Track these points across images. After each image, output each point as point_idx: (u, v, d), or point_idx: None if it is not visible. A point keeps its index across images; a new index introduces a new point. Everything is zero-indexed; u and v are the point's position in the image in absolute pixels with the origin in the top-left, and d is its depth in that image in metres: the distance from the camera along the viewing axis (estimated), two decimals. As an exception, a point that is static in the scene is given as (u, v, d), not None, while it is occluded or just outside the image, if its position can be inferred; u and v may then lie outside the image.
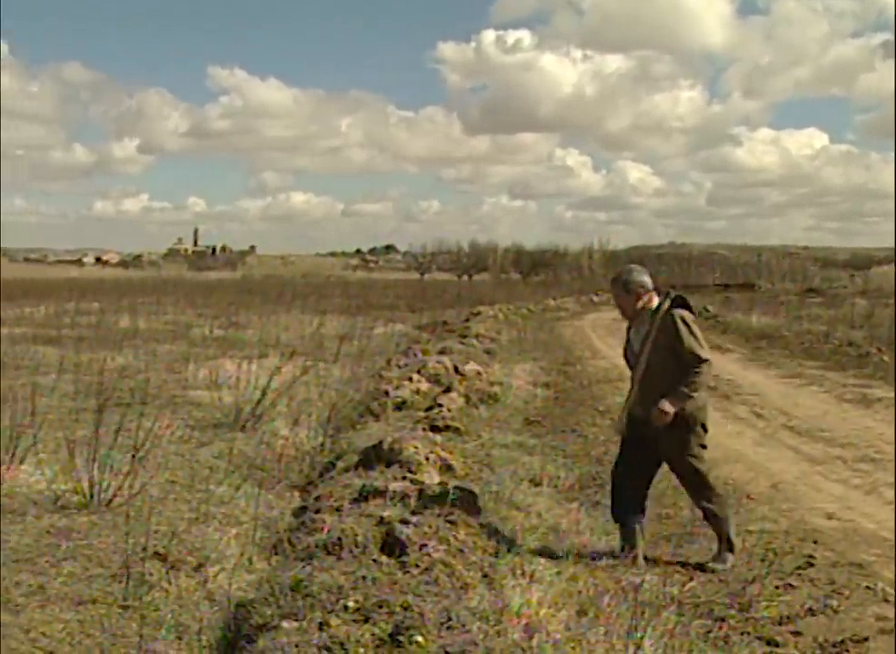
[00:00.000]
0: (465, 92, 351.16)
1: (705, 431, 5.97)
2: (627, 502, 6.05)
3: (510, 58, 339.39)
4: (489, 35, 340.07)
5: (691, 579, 5.73)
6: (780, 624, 5.05)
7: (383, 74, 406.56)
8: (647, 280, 5.80)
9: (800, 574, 5.90)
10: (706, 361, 5.68)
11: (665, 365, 5.67)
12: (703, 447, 5.96)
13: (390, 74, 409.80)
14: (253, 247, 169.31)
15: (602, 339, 25.32)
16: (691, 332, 5.65)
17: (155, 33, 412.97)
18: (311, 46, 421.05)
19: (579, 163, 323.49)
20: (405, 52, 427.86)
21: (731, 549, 5.98)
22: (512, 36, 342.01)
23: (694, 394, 5.69)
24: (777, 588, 5.62)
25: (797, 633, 4.95)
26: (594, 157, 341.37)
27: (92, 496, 6.78)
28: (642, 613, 4.47)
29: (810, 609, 5.26)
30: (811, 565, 6.06)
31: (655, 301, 5.81)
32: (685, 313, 5.72)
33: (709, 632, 4.79)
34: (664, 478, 8.38)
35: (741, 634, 4.87)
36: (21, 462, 7.39)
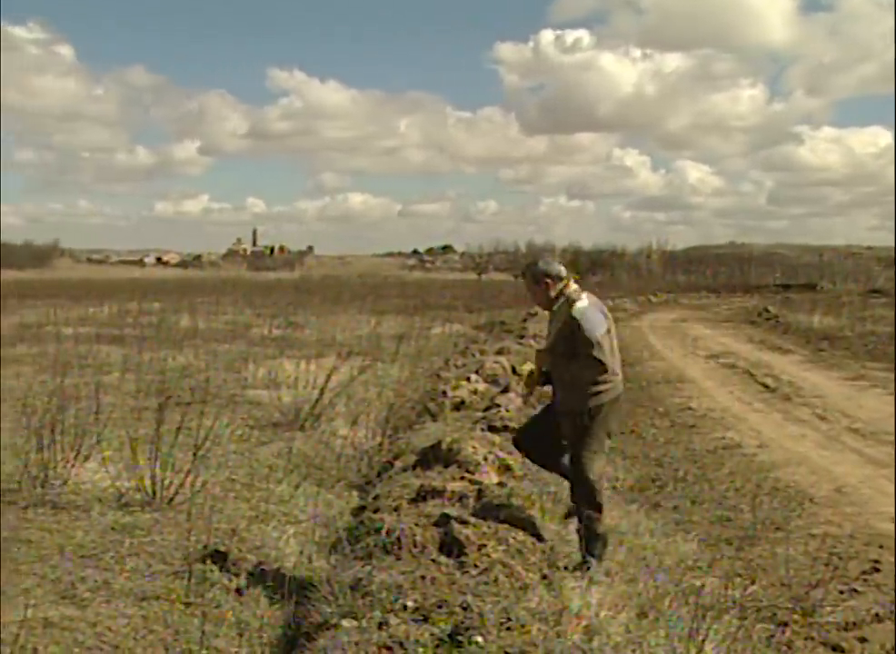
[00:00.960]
0: (523, 92, 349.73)
1: (608, 435, 5.77)
2: (534, 440, 5.97)
3: (568, 58, 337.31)
4: (547, 35, 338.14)
5: (753, 582, 5.64)
6: (845, 630, 4.97)
7: (441, 75, 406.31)
8: (556, 269, 5.60)
9: (865, 579, 5.80)
10: (600, 361, 5.42)
11: (566, 353, 5.52)
12: (597, 451, 5.64)
13: (448, 75, 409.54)
14: (310, 247, 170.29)
15: (661, 340, 25.10)
16: (592, 332, 5.44)
17: (216, 36, 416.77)
18: (369, 48, 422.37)
19: (637, 162, 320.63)
20: (463, 52, 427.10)
21: (592, 554, 5.58)
22: (570, 36, 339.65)
23: (592, 390, 5.46)
24: (842, 593, 5.53)
25: (863, 639, 4.86)
26: (653, 157, 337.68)
27: (154, 493, 6.87)
28: (703, 616, 4.41)
29: (876, 615, 5.17)
30: (878, 570, 5.95)
31: (570, 289, 5.63)
32: (593, 309, 5.54)
33: (772, 637, 4.72)
34: (724, 480, 8.33)
35: (805, 639, 4.80)
36: (86, 460, 7.49)
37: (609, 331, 5.55)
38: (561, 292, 5.56)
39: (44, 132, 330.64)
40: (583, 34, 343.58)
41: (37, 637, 4.46)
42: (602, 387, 5.47)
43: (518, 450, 6.19)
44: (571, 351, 5.47)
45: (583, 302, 5.49)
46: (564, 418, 5.62)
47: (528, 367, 5.91)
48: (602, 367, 5.41)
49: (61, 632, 4.58)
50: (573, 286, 5.60)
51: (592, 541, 5.53)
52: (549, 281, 5.54)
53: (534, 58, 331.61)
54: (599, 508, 5.60)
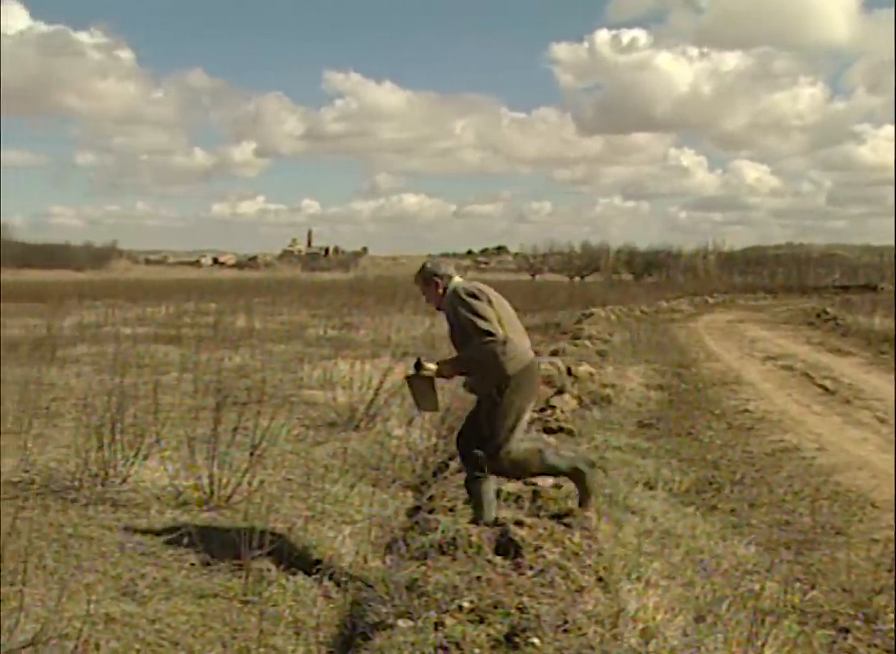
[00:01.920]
0: (579, 92, 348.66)
1: (509, 429, 5.53)
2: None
3: (624, 58, 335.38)
4: (603, 35, 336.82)
5: (814, 587, 5.57)
6: (908, 637, 4.88)
7: (496, 76, 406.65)
8: (444, 268, 5.72)
9: (929, 585, 5.69)
10: (485, 332, 5.34)
11: (465, 342, 5.50)
12: (513, 428, 5.53)
13: (503, 76, 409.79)
14: (365, 248, 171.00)
15: (717, 341, 24.87)
16: (469, 307, 5.42)
17: (273, 38, 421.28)
18: (425, 49, 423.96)
19: (694, 162, 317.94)
20: (518, 53, 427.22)
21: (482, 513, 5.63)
22: (626, 35, 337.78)
23: (495, 364, 5.39)
24: (905, 599, 5.43)
25: (926, 647, 4.77)
26: (710, 157, 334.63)
27: (212, 492, 6.94)
28: (762, 621, 4.37)
29: (941, 623, 5.07)
30: (942, 576, 5.83)
31: (453, 282, 5.69)
32: (464, 287, 5.54)
33: (833, 643, 4.66)
34: (782, 484, 8.23)
35: (868, 646, 4.72)
36: (145, 459, 7.59)
37: (492, 303, 5.50)
38: (445, 289, 5.68)
39: (105, 135, 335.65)
40: (640, 34, 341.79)
41: (99, 632, 4.53)
42: (504, 358, 5.40)
43: (464, 460, 5.87)
44: (465, 334, 5.48)
45: (460, 283, 5.62)
46: (479, 404, 5.62)
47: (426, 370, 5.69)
48: (492, 337, 5.34)
49: (122, 628, 4.65)
50: (456, 279, 5.71)
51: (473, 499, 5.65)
52: (437, 279, 5.68)
53: (590, 58, 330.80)
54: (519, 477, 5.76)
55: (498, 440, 5.52)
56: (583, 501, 5.85)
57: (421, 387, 5.80)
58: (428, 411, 6.10)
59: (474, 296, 5.46)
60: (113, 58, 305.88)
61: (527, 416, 5.67)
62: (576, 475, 5.80)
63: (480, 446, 5.57)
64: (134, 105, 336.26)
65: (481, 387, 5.61)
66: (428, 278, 5.72)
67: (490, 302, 5.49)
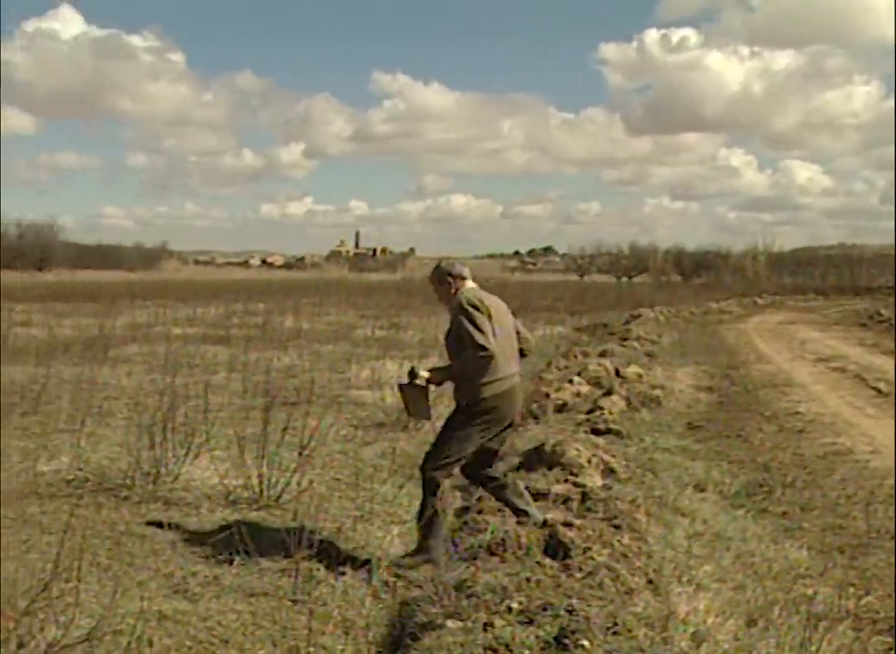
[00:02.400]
0: (627, 92, 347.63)
1: (483, 437, 5.52)
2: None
3: (674, 57, 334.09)
4: (652, 34, 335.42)
5: (868, 592, 5.48)
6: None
7: (544, 77, 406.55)
8: (458, 269, 5.73)
9: None
10: (479, 346, 5.32)
11: (457, 350, 5.51)
12: (458, 452, 5.50)
13: (551, 76, 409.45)
14: (412, 249, 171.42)
15: (768, 343, 24.62)
16: (465, 313, 5.41)
17: (322, 40, 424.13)
18: (473, 50, 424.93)
19: (744, 162, 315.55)
20: (567, 53, 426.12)
21: (424, 551, 5.52)
22: (676, 35, 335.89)
23: (477, 382, 5.41)
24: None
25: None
26: (760, 156, 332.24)
27: (261, 492, 6.99)
28: (816, 626, 4.31)
29: None
30: None
31: (465, 286, 5.69)
32: (468, 298, 5.50)
33: (889, 650, 4.58)
34: (835, 487, 8.12)
35: (925, 653, 4.64)
36: (195, 458, 7.66)
37: (492, 318, 5.48)
38: (457, 290, 5.67)
39: (156, 137, 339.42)
40: (690, 33, 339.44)
41: (152, 629, 4.58)
42: (486, 379, 5.42)
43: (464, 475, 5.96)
44: (460, 342, 5.47)
45: (468, 291, 5.59)
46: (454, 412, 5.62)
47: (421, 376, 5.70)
48: (486, 351, 5.32)
49: (174, 625, 4.70)
50: (470, 284, 5.72)
51: (425, 528, 5.52)
52: (451, 280, 5.70)
53: (639, 58, 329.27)
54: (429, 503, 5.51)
55: (440, 454, 5.52)
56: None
57: (413, 395, 5.79)
58: (419, 420, 6.05)
59: (476, 307, 5.45)
60: (164, 61, 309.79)
61: (479, 441, 5.55)
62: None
63: (429, 451, 5.62)
64: (185, 107, 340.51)
65: (457, 394, 5.62)
66: (442, 277, 5.75)
67: (490, 316, 5.47)
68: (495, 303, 5.67)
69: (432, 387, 5.81)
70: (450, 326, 5.62)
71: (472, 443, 5.52)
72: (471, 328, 5.37)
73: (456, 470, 5.71)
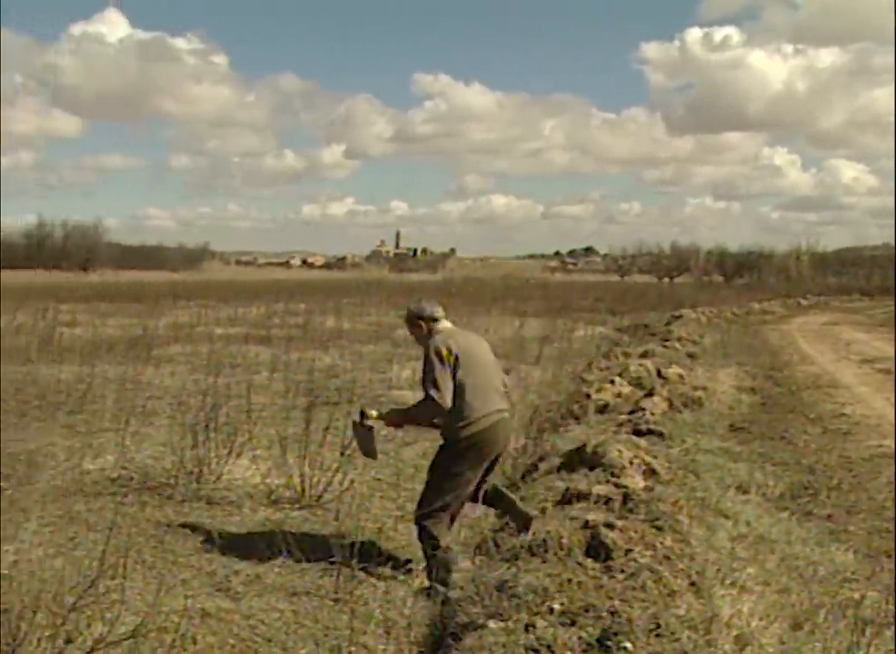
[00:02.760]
0: (669, 92, 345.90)
1: (473, 473, 5.49)
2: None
3: (716, 56, 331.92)
4: (694, 33, 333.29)
5: (915, 596, 5.41)
6: None
7: (585, 77, 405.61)
8: (428, 310, 5.76)
9: None
10: (429, 396, 5.38)
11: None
12: (445, 494, 5.46)
13: (593, 76, 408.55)
14: (453, 249, 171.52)
15: (812, 344, 24.36)
16: (427, 362, 5.47)
17: (364, 41, 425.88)
18: (514, 50, 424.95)
19: (787, 161, 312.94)
20: (608, 53, 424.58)
21: (437, 579, 5.38)
22: (719, 33, 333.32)
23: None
24: None
25: None
26: (804, 155, 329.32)
27: (303, 491, 7.03)
28: (863, 631, 4.26)
29: None
30: None
31: (438, 327, 5.71)
32: (436, 345, 5.49)
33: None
34: (881, 490, 8.02)
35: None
36: (238, 457, 7.72)
37: (459, 363, 5.46)
38: (430, 331, 5.69)
39: (199, 138, 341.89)
40: (732, 32, 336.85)
41: (196, 626, 4.62)
42: (463, 422, 5.42)
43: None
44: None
45: (438, 336, 5.58)
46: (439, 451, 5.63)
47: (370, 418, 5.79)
48: (432, 403, 5.36)
49: (217, 623, 4.74)
50: (443, 324, 5.72)
51: (431, 564, 5.43)
52: (421, 322, 5.72)
53: (681, 57, 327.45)
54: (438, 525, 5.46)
55: (430, 496, 5.49)
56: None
57: (361, 434, 5.82)
58: (368, 458, 6.07)
59: (439, 356, 5.44)
60: (208, 63, 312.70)
61: (467, 478, 5.49)
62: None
63: (420, 498, 5.59)
64: (228, 109, 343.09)
65: (441, 430, 5.60)
66: (413, 320, 5.79)
67: (457, 361, 5.45)
68: (470, 343, 5.68)
69: (383, 430, 5.90)
70: (423, 363, 5.64)
71: (460, 485, 5.47)
72: (427, 376, 5.43)
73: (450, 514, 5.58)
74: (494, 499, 5.84)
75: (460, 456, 5.46)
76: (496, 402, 5.62)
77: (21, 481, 7.47)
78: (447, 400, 5.37)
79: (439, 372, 5.41)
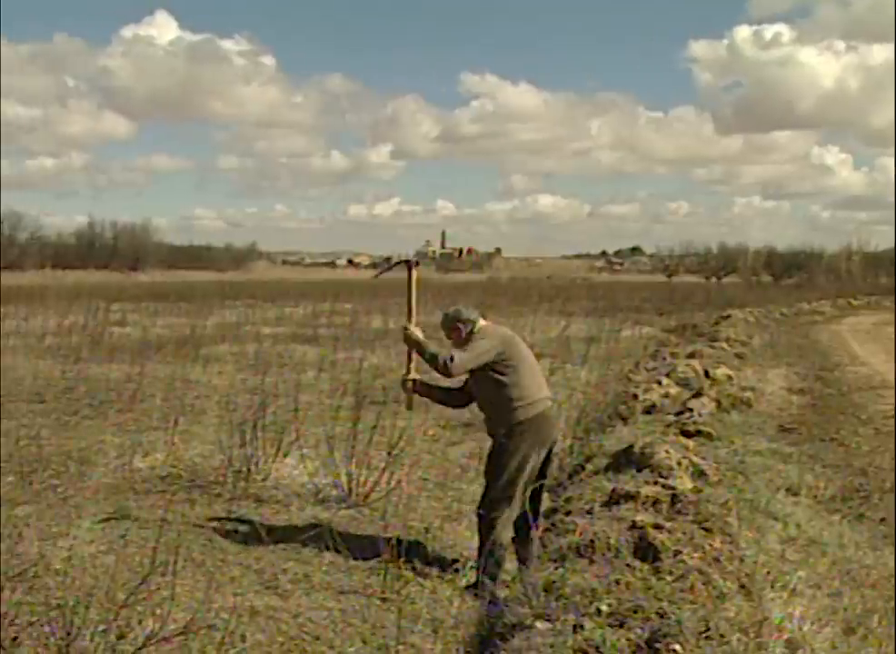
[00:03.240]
0: (718, 90, 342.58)
1: (513, 473, 5.43)
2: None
3: (766, 54, 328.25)
4: (743, 31, 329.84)
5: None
6: None
7: (633, 75, 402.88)
8: (466, 314, 5.82)
9: None
10: (452, 356, 5.47)
11: (477, 383, 5.67)
12: (508, 485, 5.42)
13: (640, 75, 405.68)
14: (498, 249, 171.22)
15: (863, 344, 24.03)
16: (470, 342, 5.62)
17: (411, 42, 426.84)
18: (562, 50, 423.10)
19: (838, 160, 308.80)
20: (656, 52, 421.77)
21: (488, 575, 5.29)
22: (769, 31, 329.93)
23: (505, 409, 5.50)
24: None
25: None
26: (855, 154, 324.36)
27: (350, 491, 7.05)
28: (917, 636, 4.20)
29: None
30: None
31: (477, 326, 5.76)
32: (482, 340, 5.59)
33: None
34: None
35: None
36: (285, 456, 7.76)
37: (515, 353, 5.58)
38: (471, 332, 5.72)
39: (247, 139, 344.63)
40: (783, 29, 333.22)
41: (244, 624, 4.65)
42: (518, 403, 5.46)
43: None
44: (479, 380, 5.60)
45: (480, 335, 5.66)
46: (490, 449, 5.63)
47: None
48: (448, 365, 5.44)
49: (266, 620, 4.76)
50: (481, 323, 5.78)
51: (485, 563, 5.34)
52: (461, 325, 5.76)
53: (730, 55, 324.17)
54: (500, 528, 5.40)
55: (498, 488, 5.43)
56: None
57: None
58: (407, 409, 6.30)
59: (483, 349, 5.53)
60: (256, 64, 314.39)
61: (531, 464, 5.48)
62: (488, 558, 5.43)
63: (483, 494, 5.56)
64: (275, 110, 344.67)
65: (491, 428, 5.63)
66: (452, 324, 5.84)
67: (501, 355, 5.53)
68: (514, 336, 5.76)
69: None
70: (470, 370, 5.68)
71: (520, 475, 5.43)
72: (464, 347, 5.57)
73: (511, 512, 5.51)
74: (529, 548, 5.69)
75: (516, 445, 5.44)
76: (544, 391, 5.68)
77: (73, 479, 7.57)
78: (456, 371, 5.47)
79: (474, 353, 5.50)
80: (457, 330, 5.80)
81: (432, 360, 5.56)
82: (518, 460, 5.43)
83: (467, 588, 5.42)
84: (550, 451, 5.64)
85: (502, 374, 5.50)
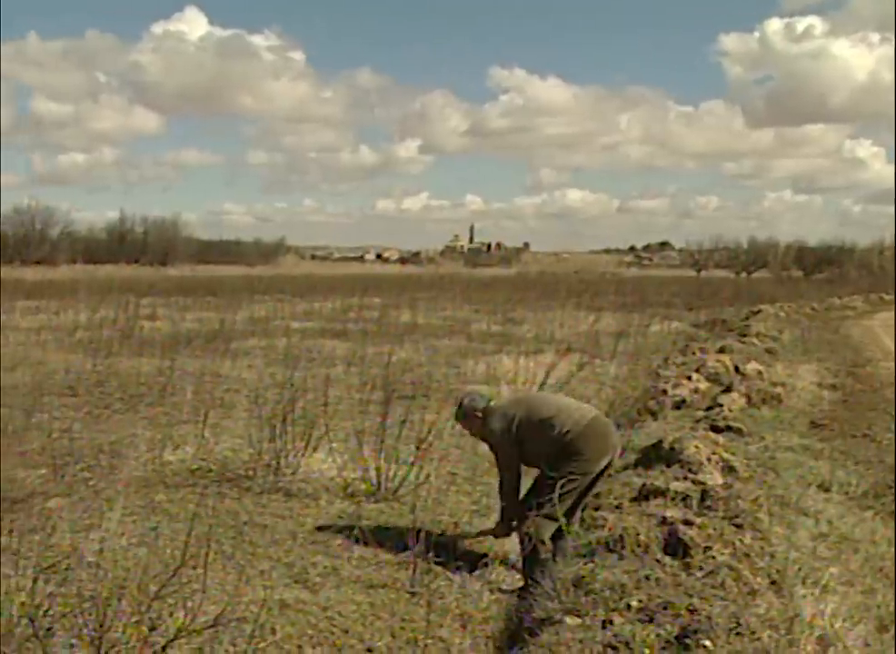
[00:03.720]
0: (748, 84, 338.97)
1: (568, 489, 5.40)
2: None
3: (798, 47, 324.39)
4: (774, 24, 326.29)
5: None
6: None
7: (663, 69, 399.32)
8: (481, 402, 5.87)
9: None
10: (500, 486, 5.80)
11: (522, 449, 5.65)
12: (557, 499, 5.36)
13: (670, 69, 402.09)
14: (526, 244, 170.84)
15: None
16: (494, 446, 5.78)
17: (440, 36, 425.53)
18: (591, 44, 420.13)
19: (871, 154, 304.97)
20: (686, 46, 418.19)
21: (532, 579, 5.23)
22: (801, 23, 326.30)
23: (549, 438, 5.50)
24: None
25: None
26: (888, 147, 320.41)
27: (379, 485, 7.06)
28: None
29: None
30: None
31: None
32: (494, 429, 5.68)
33: None
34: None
35: None
36: (314, 450, 7.78)
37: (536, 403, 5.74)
38: (485, 417, 5.78)
39: (276, 134, 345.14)
40: (815, 21, 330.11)
41: (274, 617, 4.68)
42: (566, 427, 5.45)
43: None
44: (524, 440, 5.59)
45: (494, 420, 5.70)
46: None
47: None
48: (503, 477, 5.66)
49: (295, 614, 4.79)
50: (492, 405, 5.83)
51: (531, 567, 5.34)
52: (478, 413, 5.79)
53: (761, 48, 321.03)
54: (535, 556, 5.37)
55: (546, 504, 5.37)
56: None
57: None
58: None
59: (501, 431, 5.62)
60: (285, 59, 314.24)
61: (583, 482, 5.47)
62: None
63: (529, 497, 5.55)
64: (305, 104, 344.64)
65: (546, 462, 5.54)
66: (469, 414, 5.87)
67: (508, 423, 5.59)
68: (526, 398, 5.97)
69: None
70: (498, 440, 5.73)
71: (571, 491, 5.41)
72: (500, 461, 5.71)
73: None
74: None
75: (567, 457, 5.41)
76: (580, 404, 5.74)
77: (105, 472, 7.64)
78: (509, 476, 5.63)
79: (503, 457, 5.66)
80: (475, 417, 5.83)
81: (505, 496, 5.70)
82: (569, 482, 5.38)
83: (514, 590, 5.39)
84: (607, 465, 5.60)
85: (532, 432, 5.53)
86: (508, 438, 5.57)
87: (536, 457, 5.55)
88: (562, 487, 5.33)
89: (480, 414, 5.80)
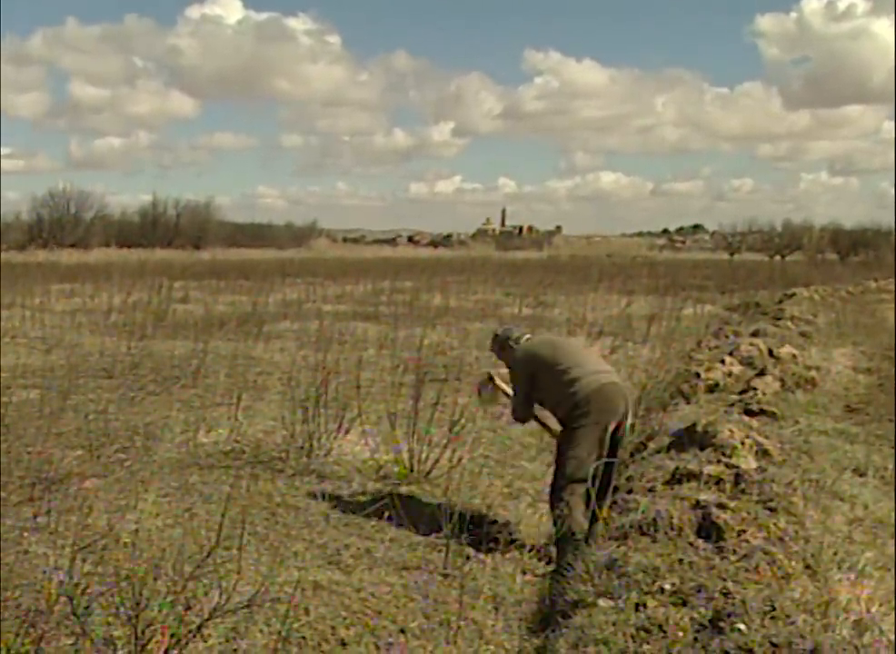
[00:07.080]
0: (785, 65, 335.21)
1: (598, 431, 5.49)
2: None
3: (836, 27, 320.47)
4: (812, 4, 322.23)
5: None
6: None
7: (699, 51, 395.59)
8: (516, 333, 6.22)
9: None
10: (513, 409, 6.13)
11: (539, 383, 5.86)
12: (580, 461, 5.42)
13: (706, 51, 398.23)
14: (559, 227, 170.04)
15: (932, 323, 23.52)
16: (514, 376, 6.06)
17: (475, 18, 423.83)
18: (627, 25, 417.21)
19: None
20: (722, 27, 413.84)
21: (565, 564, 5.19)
22: (842, 3, 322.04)
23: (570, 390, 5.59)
24: None
25: None
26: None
27: (411, 467, 7.08)
28: None
29: None
30: None
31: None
32: (518, 358, 5.98)
33: None
34: None
35: None
36: (347, 432, 7.81)
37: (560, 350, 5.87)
38: (512, 350, 6.10)
39: (310, 117, 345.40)
40: (857, 0, 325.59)
41: (308, 598, 4.70)
42: (574, 388, 5.54)
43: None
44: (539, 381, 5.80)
45: (519, 350, 6.03)
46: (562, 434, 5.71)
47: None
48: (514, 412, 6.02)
49: (329, 595, 4.81)
50: (526, 339, 6.15)
51: (563, 551, 5.34)
52: (511, 343, 6.13)
53: (798, 29, 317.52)
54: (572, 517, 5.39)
55: (567, 473, 5.44)
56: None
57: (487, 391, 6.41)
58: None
59: (521, 366, 5.91)
60: (322, 43, 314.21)
61: (598, 442, 5.49)
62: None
63: (555, 475, 5.61)
64: (340, 88, 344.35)
65: (556, 412, 5.78)
66: (502, 343, 6.17)
67: (530, 364, 5.84)
68: (533, 351, 5.93)
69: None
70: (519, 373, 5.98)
71: (589, 451, 5.44)
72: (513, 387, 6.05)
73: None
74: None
75: (580, 424, 5.46)
76: (600, 365, 5.79)
77: (139, 453, 7.71)
78: (521, 417, 6.06)
79: (519, 398, 5.96)
80: (510, 348, 6.10)
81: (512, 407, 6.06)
82: (583, 440, 5.42)
83: (545, 574, 5.39)
84: (619, 428, 5.60)
85: (548, 376, 5.70)
86: (525, 372, 5.85)
87: (544, 399, 5.84)
88: (578, 455, 5.43)
89: (512, 343, 6.08)
